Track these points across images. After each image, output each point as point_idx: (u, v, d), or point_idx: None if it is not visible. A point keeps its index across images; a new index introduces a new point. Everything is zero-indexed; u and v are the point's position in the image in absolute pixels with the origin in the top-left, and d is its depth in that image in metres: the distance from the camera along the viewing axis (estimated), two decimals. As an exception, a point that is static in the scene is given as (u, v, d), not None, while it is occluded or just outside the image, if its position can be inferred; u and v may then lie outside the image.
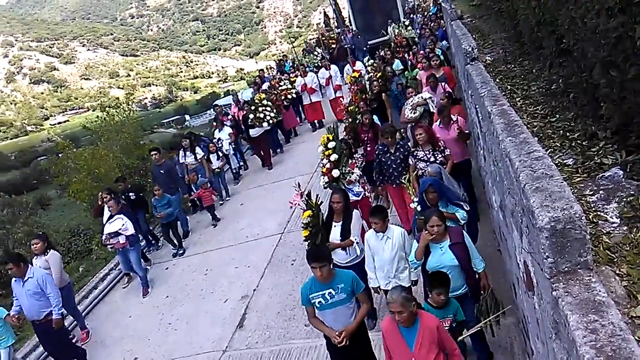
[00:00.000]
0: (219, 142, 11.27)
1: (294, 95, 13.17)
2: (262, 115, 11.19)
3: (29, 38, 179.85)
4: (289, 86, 13.21)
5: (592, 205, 3.23)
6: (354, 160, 6.75)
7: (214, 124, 12.10)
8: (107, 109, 16.01)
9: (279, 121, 12.29)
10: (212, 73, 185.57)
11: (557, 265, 2.30)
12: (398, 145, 6.34)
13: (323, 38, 17.36)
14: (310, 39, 22.00)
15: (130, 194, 9.11)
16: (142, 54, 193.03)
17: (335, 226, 5.24)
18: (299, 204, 5.53)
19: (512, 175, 3.08)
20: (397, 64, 11.24)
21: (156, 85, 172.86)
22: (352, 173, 6.53)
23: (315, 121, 13.47)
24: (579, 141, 4.08)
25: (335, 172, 6.38)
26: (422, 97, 7.55)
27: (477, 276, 4.11)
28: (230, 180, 11.71)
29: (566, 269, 2.30)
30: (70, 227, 16.73)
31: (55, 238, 18.05)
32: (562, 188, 2.45)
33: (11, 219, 19.66)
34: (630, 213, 3.00)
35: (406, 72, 10.66)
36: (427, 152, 5.86)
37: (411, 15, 16.76)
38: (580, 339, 1.91)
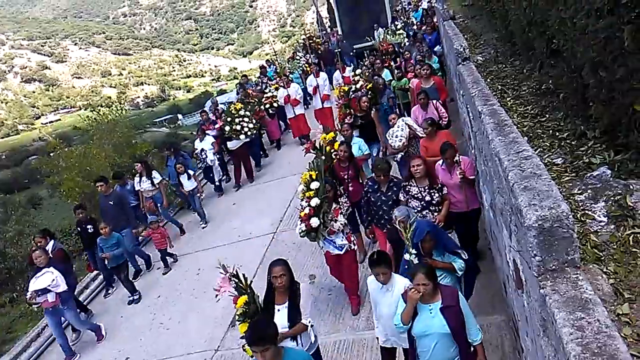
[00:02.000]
0: (203, 154, 10.34)
1: (281, 103, 11.98)
2: (239, 127, 10.31)
3: (21, 36, 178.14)
4: (274, 93, 12.14)
5: (580, 204, 3.26)
6: (338, 206, 5.55)
7: (198, 132, 10.98)
8: (98, 108, 15.94)
9: (262, 132, 11.69)
10: (205, 72, 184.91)
11: (544, 263, 2.33)
12: (391, 183, 5.38)
13: (310, 41, 16.04)
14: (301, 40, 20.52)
15: (88, 226, 8.11)
16: (134, 52, 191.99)
17: (279, 310, 4.03)
18: (227, 291, 4.29)
19: (501, 174, 3.10)
20: (386, 74, 10.30)
21: (149, 84, 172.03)
22: (336, 221, 5.39)
23: (302, 137, 11.88)
24: (568, 141, 4.13)
25: (315, 222, 5.25)
26: (401, 123, 6.73)
27: (471, 349, 3.47)
28: (214, 195, 11.05)
29: (554, 267, 2.32)
30: (61, 227, 16.59)
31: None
32: (550, 187, 2.48)
33: (3, 218, 19.54)
34: (618, 212, 3.04)
35: (393, 82, 9.95)
36: (423, 190, 5.06)
37: (401, 19, 16.13)
38: (567, 336, 1.94)
